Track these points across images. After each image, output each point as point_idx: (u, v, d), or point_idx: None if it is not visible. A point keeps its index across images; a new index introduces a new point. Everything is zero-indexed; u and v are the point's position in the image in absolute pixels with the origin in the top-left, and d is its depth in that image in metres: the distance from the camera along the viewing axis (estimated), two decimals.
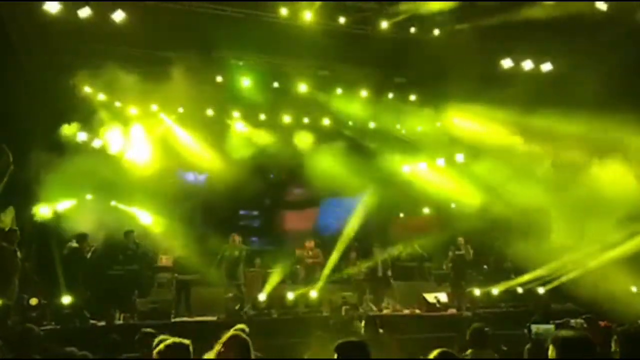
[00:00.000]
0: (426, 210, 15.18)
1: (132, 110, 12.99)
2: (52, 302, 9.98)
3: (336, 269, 12.70)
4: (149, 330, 5.51)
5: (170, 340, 3.62)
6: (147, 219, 13.22)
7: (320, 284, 11.86)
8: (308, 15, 10.74)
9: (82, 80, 11.78)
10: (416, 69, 12.35)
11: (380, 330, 8.90)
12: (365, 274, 12.37)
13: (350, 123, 14.87)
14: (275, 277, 12.15)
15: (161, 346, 3.54)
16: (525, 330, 4.37)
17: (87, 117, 12.43)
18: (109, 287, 10.75)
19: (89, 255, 10.67)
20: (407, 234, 14.47)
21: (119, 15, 10.17)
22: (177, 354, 3.53)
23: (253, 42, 11.18)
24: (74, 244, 10.51)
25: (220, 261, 11.66)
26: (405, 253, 13.70)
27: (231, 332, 3.63)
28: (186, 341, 3.61)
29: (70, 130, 12.24)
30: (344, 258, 12.99)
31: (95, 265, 10.74)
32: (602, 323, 4.84)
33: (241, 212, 17.29)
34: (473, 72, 11.09)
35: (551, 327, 3.87)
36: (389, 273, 12.55)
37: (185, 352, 3.56)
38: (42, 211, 11.17)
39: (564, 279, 11.25)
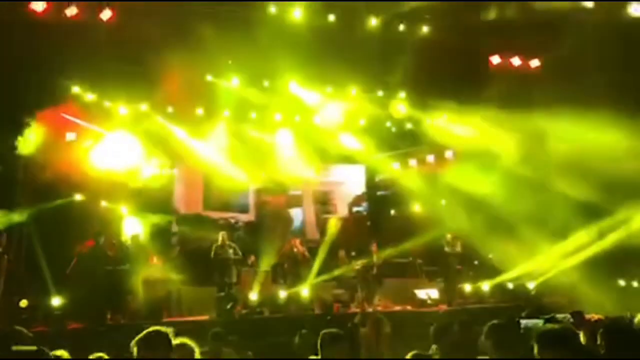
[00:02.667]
0: (417, 208, 15.22)
1: (122, 109, 12.92)
2: (42, 303, 9.92)
3: (325, 267, 12.69)
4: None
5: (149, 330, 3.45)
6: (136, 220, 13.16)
7: (310, 282, 11.85)
8: (297, 14, 10.78)
9: (71, 80, 11.73)
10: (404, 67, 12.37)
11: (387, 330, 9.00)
12: (359, 272, 12.41)
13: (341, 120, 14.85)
14: (266, 276, 12.15)
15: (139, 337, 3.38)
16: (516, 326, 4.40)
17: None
18: (100, 287, 10.70)
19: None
20: (399, 231, 14.53)
21: (106, 14, 10.16)
22: (157, 343, 3.37)
23: (242, 40, 11.16)
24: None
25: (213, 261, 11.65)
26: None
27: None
28: (166, 329, 3.45)
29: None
30: (333, 256, 13.01)
31: (86, 265, 10.69)
32: (589, 317, 4.93)
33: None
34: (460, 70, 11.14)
35: (540, 322, 3.90)
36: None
37: (166, 341, 3.40)
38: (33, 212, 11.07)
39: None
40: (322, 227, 16.08)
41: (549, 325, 3.59)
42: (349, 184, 17.68)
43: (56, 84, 11.58)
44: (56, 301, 9.89)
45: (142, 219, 13.11)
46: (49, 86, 11.43)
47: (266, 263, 12.43)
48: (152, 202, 13.59)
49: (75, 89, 12.08)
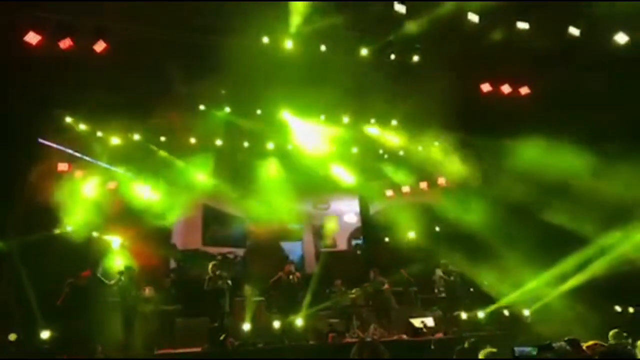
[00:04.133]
0: (412, 235, 15.19)
1: (114, 140, 12.96)
2: (30, 337, 9.74)
3: (320, 296, 12.58)
4: None
5: None
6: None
7: (304, 311, 11.71)
8: (289, 44, 10.93)
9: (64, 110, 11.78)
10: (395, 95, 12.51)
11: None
12: (357, 300, 12.34)
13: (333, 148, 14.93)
14: (259, 305, 12.00)
15: None
16: (511, 353, 4.36)
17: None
18: (92, 320, 10.53)
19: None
20: (394, 259, 14.49)
21: (100, 46, 10.25)
22: None
23: (235, 69, 11.27)
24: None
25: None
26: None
27: None
28: None
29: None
30: (328, 285, 12.91)
31: (80, 296, 10.53)
32: (585, 345, 4.87)
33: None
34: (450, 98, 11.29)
35: (534, 349, 3.86)
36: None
37: None
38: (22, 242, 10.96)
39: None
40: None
41: (547, 355, 3.56)
42: (347, 215, 17.70)
43: (49, 115, 11.62)
44: (45, 334, 9.71)
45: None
46: (41, 117, 11.47)
47: (257, 292, 12.26)
48: (150, 236, 13.60)
49: (68, 120, 12.12)
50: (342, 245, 17.36)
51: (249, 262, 14.45)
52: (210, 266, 11.52)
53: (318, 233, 17.42)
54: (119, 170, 13.56)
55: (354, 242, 17.50)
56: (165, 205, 13.92)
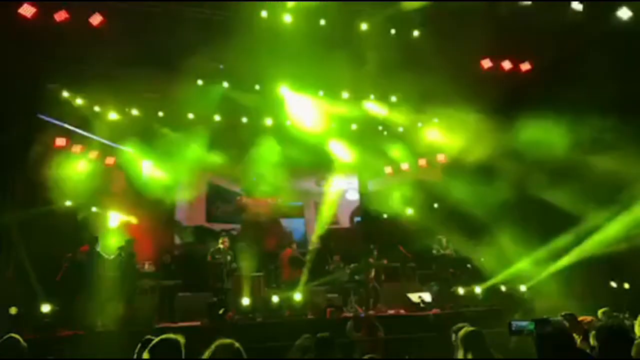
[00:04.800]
0: (410, 212, 15.22)
1: (112, 115, 12.87)
2: (31, 310, 9.83)
3: (319, 271, 12.69)
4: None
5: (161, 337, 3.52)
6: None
7: (302, 286, 11.82)
8: (287, 18, 10.78)
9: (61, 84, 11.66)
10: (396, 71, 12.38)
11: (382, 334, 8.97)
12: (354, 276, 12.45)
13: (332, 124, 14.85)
14: (258, 281, 12.09)
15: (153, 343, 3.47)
16: (507, 328, 4.40)
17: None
18: (92, 295, 10.61)
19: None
20: (392, 235, 14.56)
21: (96, 19, 10.10)
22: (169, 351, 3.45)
23: (233, 44, 11.14)
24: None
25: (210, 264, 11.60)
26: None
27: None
28: (177, 337, 3.51)
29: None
30: (328, 261, 13.01)
31: (79, 271, 10.59)
32: (581, 319, 4.93)
33: None
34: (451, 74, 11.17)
35: (531, 324, 3.90)
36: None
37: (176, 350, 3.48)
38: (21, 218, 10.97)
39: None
40: None
41: (544, 329, 3.60)
42: (349, 193, 17.70)
43: (45, 89, 11.51)
44: (46, 308, 9.80)
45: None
46: (38, 91, 11.36)
47: (256, 267, 12.35)
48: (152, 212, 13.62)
49: (65, 94, 12.01)
50: (344, 223, 17.43)
51: (244, 237, 14.40)
52: (220, 240, 11.65)
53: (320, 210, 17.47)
54: (119, 147, 13.53)
55: (355, 220, 17.54)
56: (168, 182, 13.91)
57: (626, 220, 10.71)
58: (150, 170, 13.83)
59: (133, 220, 13.63)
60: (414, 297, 11.86)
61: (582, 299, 9.48)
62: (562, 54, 11.26)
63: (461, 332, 4.24)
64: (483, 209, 12.41)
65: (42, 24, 9.81)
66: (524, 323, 3.90)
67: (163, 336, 3.51)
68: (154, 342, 3.49)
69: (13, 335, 5.07)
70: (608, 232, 10.86)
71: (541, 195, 12.06)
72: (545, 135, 11.43)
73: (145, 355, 3.43)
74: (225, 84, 12.74)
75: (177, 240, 15.53)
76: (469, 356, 4.01)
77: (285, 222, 16.84)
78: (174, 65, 11.03)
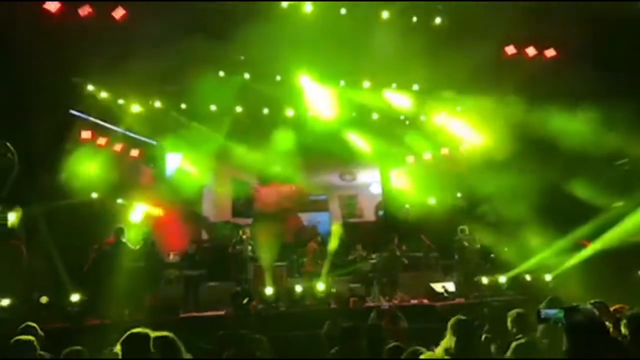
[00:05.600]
0: (432, 201, 15.11)
1: (135, 107, 13.01)
2: (61, 300, 10.05)
3: (341, 261, 12.71)
4: None
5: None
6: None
7: (325, 276, 11.86)
8: (308, 8, 10.74)
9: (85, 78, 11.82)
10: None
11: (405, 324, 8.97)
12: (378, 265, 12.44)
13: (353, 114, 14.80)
14: (281, 271, 12.17)
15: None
16: (536, 316, 4.37)
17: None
18: (118, 285, 10.79)
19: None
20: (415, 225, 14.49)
21: (119, 13, 10.21)
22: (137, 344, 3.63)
23: (254, 35, 11.13)
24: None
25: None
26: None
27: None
28: (146, 331, 3.71)
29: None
30: (350, 250, 13.02)
31: (106, 262, 10.79)
32: (612, 307, 4.84)
33: None
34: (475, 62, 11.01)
35: (560, 312, 3.84)
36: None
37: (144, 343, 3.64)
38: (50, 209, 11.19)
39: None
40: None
41: (574, 317, 3.55)
42: (373, 186, 17.66)
43: (70, 83, 11.67)
44: (75, 298, 10.01)
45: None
46: (63, 85, 11.52)
47: (277, 257, 12.42)
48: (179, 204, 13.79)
49: (90, 88, 12.18)
50: (369, 217, 17.40)
51: (257, 227, 14.45)
52: (240, 231, 11.77)
53: (344, 204, 17.51)
54: (144, 139, 13.70)
55: (380, 213, 17.50)
56: (194, 175, 14.05)
57: None
58: (176, 162, 13.98)
59: (159, 212, 13.80)
60: (438, 287, 11.80)
61: (608, 289, 9.33)
62: (588, 39, 11.00)
63: (451, 320, 4.46)
64: (506, 199, 12.29)
65: (67, 18, 9.95)
66: (552, 311, 3.83)
67: (133, 330, 3.71)
68: (124, 336, 3.68)
69: (30, 323, 5.23)
70: (634, 220, 10.63)
71: (565, 184, 11.88)
72: (569, 123, 11.25)
73: (117, 348, 3.64)
74: (247, 75, 12.74)
75: (205, 236, 15.71)
76: (454, 341, 4.27)
77: (309, 216, 16.87)
78: (195, 56, 11.10)
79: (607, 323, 3.76)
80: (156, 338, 3.70)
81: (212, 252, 13.51)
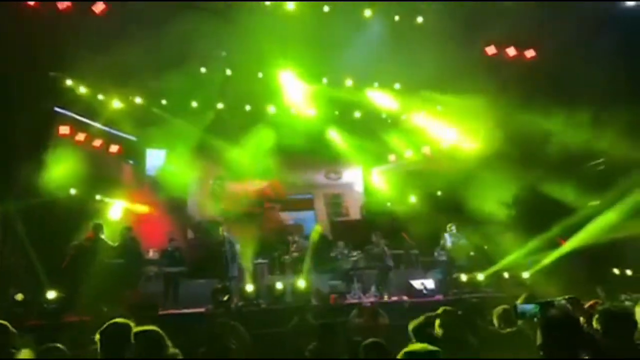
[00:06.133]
0: (413, 199, 15.23)
1: (116, 103, 12.87)
2: (37, 297, 9.91)
3: (324, 258, 12.75)
4: None
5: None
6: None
7: (306, 273, 11.89)
8: (291, 6, 10.74)
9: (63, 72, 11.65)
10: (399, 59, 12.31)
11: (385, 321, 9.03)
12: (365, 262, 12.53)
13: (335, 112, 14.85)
14: (261, 268, 12.16)
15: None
16: (512, 311, 4.48)
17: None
18: (97, 281, 10.68)
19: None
20: (396, 223, 14.60)
21: (99, 7, 10.09)
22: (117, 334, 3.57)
23: (236, 32, 11.10)
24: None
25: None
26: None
27: None
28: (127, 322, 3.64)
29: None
30: (330, 248, 13.08)
31: (84, 258, 10.66)
32: (585, 303, 4.98)
33: None
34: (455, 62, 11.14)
35: (536, 307, 3.95)
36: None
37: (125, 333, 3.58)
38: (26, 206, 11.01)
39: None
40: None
41: (549, 312, 3.64)
42: (358, 185, 17.71)
43: (48, 78, 11.49)
44: (51, 294, 9.87)
45: None
46: (41, 80, 11.33)
47: (258, 255, 12.41)
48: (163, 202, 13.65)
49: (68, 82, 12.00)
50: (355, 215, 17.44)
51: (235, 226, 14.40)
52: (220, 230, 11.71)
53: (330, 203, 17.53)
54: (124, 135, 13.56)
55: (364, 211, 17.56)
56: (176, 172, 13.94)
57: (625, 207, 10.71)
58: (158, 160, 13.85)
59: (139, 209, 13.67)
60: (417, 283, 11.92)
61: (584, 285, 9.53)
62: (568, 39, 11.19)
63: (438, 310, 4.65)
64: (486, 197, 12.45)
65: (45, 12, 9.80)
66: (529, 306, 3.95)
67: (113, 320, 3.62)
68: (104, 326, 3.58)
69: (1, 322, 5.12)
70: (608, 219, 10.86)
71: (543, 184, 12.08)
72: (547, 124, 11.43)
73: (96, 337, 3.55)
74: (228, 72, 12.69)
75: (190, 235, 15.55)
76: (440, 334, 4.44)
77: (295, 215, 16.85)
78: (177, 52, 11.02)
79: (580, 318, 3.86)
80: (141, 332, 3.64)
81: (196, 250, 13.41)
